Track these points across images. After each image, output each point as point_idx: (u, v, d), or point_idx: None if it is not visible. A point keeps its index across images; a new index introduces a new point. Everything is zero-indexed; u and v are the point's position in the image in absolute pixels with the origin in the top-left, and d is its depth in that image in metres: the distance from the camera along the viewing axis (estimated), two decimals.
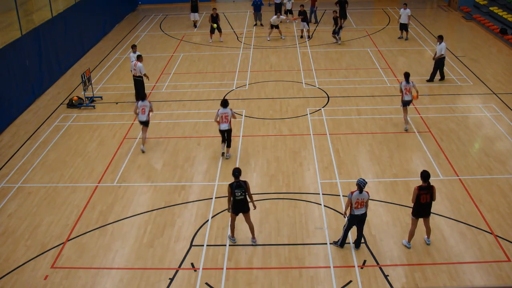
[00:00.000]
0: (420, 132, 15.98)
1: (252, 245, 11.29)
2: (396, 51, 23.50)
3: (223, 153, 14.91)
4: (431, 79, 19.88)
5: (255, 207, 11.24)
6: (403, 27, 24.96)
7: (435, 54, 19.61)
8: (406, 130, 15.96)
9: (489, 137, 15.65)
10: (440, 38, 19.44)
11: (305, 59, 22.86)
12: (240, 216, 11.15)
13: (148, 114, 15.20)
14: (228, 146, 14.85)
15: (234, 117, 14.59)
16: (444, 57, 19.56)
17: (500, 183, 13.30)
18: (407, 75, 15.69)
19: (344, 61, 22.50)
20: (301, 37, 26.06)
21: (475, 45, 24.26)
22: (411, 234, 10.99)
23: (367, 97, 18.59)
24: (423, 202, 10.60)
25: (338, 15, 24.62)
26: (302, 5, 25.53)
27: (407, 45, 24.56)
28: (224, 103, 14.45)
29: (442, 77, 19.95)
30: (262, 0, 28.61)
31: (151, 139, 16.11)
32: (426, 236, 11.15)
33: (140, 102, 15.17)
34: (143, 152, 15.28)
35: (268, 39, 25.82)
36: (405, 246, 11.06)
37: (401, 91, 15.74)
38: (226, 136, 14.68)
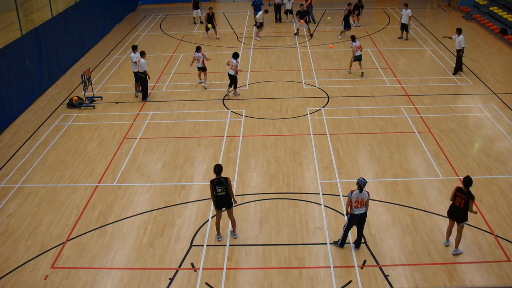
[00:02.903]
0: (420, 132, 15.98)
1: (252, 244, 11.31)
2: (396, 51, 23.51)
3: (226, 95, 18.91)
4: (456, 71, 20.54)
5: (235, 202, 11.37)
6: (404, 27, 25.01)
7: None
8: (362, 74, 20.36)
9: (489, 137, 15.65)
10: (459, 31, 19.87)
11: (305, 59, 22.86)
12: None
13: (203, 62, 19.44)
14: (235, 87, 18.88)
15: (241, 70, 18.98)
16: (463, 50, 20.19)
17: (500, 183, 13.30)
18: (353, 37, 20.21)
19: (344, 61, 22.49)
20: (296, 34, 26.26)
21: (475, 45, 24.26)
22: (448, 232, 11.07)
23: (367, 97, 18.59)
24: (457, 204, 10.61)
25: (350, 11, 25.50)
26: (302, 5, 26.10)
27: (407, 45, 24.56)
28: (234, 54, 18.37)
29: (455, 71, 20.51)
30: (262, 0, 28.63)
31: (151, 139, 16.13)
32: (447, 240, 11.20)
33: (195, 53, 19.35)
34: (205, 88, 19.78)
35: (258, 39, 26.14)
36: (445, 245, 11.11)
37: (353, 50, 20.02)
38: (234, 81, 18.69)
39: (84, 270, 10.80)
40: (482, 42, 24.68)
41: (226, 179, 10.93)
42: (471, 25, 27.72)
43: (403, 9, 24.57)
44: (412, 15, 26.66)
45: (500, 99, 18.23)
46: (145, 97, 18.93)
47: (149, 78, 18.85)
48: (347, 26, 25.40)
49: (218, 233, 11.46)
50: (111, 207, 12.87)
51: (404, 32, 25.22)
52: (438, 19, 29.33)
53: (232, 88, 18.85)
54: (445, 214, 12.02)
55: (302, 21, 25.46)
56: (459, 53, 20.07)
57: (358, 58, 20.23)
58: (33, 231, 12.06)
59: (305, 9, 25.78)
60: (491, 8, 28.35)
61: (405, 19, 24.63)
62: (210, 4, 34.34)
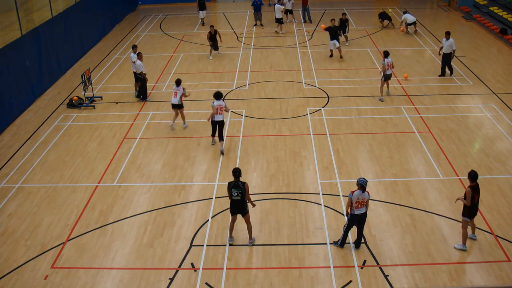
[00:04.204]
0: (420, 132, 15.98)
1: (252, 245, 11.30)
2: (396, 51, 23.50)
3: (214, 143, 15.47)
4: (452, 72, 20.40)
5: (253, 205, 11.27)
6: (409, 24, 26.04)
7: (441, 49, 20.07)
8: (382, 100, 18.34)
9: (489, 137, 15.65)
10: (448, 34, 19.75)
11: (305, 59, 22.85)
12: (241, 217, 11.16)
13: (181, 98, 16.02)
14: (221, 139, 15.00)
15: (227, 110, 15.03)
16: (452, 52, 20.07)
17: (500, 183, 13.30)
18: (386, 53, 18.21)
19: (344, 61, 22.49)
20: (331, 56, 22.90)
21: (475, 45, 24.26)
22: (465, 236, 10.89)
23: (367, 97, 18.59)
24: (476, 202, 10.61)
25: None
26: (333, 19, 23.08)
27: (407, 45, 24.57)
28: (218, 95, 14.65)
29: (451, 72, 20.37)
30: (262, 0, 28.66)
31: (151, 139, 16.13)
32: (471, 233, 11.16)
33: (174, 86, 16.15)
34: (184, 128, 16.62)
35: (282, 32, 26.98)
36: (462, 249, 10.90)
37: (384, 67, 18.05)
38: (219, 128, 14.91)
39: (84, 270, 10.80)
40: (482, 42, 24.68)
41: (243, 183, 10.80)
42: (471, 25, 27.72)
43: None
44: (409, 13, 26.89)
45: (500, 99, 18.23)
46: (144, 97, 18.93)
47: (146, 79, 18.79)
48: (344, 31, 24.30)
49: (230, 236, 11.37)
50: (111, 207, 12.86)
51: (411, 27, 25.99)
52: (438, 19, 29.33)
53: (217, 138, 15.13)
54: (446, 214, 12.07)
55: (323, 25, 23.71)
56: (449, 56, 19.81)
57: (388, 77, 18.26)
58: (33, 231, 12.06)
59: (335, 24, 22.80)
60: (491, 8, 28.36)
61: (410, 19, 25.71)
62: (210, 4, 34.39)
